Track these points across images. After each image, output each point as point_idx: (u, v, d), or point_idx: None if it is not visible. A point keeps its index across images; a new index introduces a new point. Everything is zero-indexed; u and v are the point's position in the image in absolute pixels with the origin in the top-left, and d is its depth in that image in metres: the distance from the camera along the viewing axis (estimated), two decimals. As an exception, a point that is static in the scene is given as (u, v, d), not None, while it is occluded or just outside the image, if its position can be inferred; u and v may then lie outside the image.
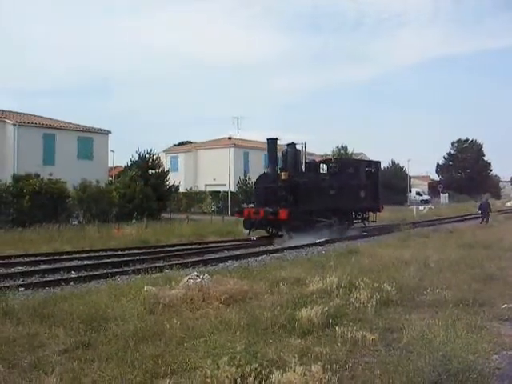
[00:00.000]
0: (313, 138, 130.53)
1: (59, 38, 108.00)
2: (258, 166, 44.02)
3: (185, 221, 32.54)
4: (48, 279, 12.91)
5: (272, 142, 24.60)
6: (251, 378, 5.25)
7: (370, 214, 30.24)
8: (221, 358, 5.60)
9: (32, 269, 14.27)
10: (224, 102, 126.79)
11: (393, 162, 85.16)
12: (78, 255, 17.48)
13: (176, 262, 14.83)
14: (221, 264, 15.75)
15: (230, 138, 52.31)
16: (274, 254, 18.22)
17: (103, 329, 7.48)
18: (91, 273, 13.79)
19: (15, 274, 12.94)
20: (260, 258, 17.43)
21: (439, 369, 5.39)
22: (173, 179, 44.47)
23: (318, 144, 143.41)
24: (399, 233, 24.26)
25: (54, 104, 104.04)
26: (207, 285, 9.59)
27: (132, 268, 14.14)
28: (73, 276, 13.33)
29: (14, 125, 36.10)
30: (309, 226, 23.70)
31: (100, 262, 15.62)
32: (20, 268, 14.56)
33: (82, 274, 13.70)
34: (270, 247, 20.61)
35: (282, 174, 23.78)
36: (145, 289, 9.38)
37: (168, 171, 44.34)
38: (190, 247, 20.65)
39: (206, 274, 10.35)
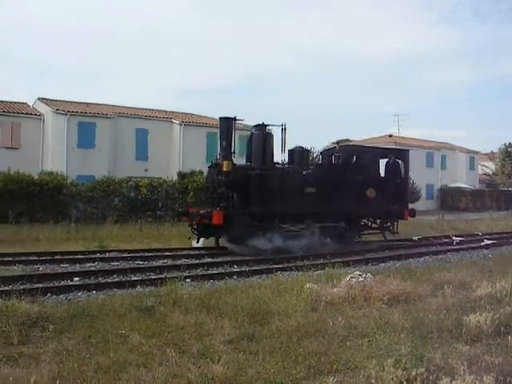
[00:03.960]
0: (475, 134, 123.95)
1: (215, 38, 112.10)
2: (421, 165, 42.59)
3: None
4: (212, 272, 13.45)
5: (225, 123, 17.88)
6: (417, 383, 5.08)
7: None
8: (386, 359, 5.47)
9: (197, 262, 14.90)
10: (383, 99, 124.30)
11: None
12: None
13: (337, 260, 14.77)
14: (382, 264, 15.49)
15: (390, 136, 51.32)
16: (437, 256, 17.64)
17: (266, 322, 7.64)
18: (253, 268, 14.17)
19: (182, 266, 13.55)
20: (422, 259, 16.98)
21: None
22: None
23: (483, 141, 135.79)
24: None
25: (213, 103, 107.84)
26: (369, 284, 9.45)
27: (293, 264, 14.34)
28: (235, 270, 13.77)
29: (180, 124, 38.01)
30: (263, 236, 17.02)
31: (261, 257, 15.94)
32: (186, 260, 15.25)
33: (245, 268, 14.11)
34: (433, 248, 19.93)
35: (224, 163, 17.10)
36: (307, 286, 9.44)
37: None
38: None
39: (369, 274, 10.20)
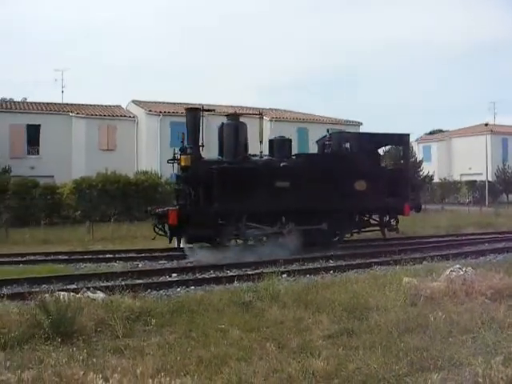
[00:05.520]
0: None
1: (303, 33, 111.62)
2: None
3: (440, 211, 31.54)
4: (308, 267, 13.44)
5: (191, 114, 16.17)
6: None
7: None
8: (494, 357, 5.26)
9: (293, 257, 14.90)
10: (476, 87, 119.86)
11: None
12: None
13: (435, 253, 14.37)
14: (481, 257, 14.91)
15: (486, 125, 49.42)
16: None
17: (365, 317, 7.54)
18: (349, 262, 14.04)
19: (279, 261, 13.55)
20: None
21: None
22: (426, 169, 43.42)
23: None
24: None
25: (303, 97, 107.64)
26: (470, 278, 9.12)
27: (389, 259, 14.10)
28: (331, 265, 13.68)
29: (271, 120, 38.27)
30: (226, 236, 15.79)
31: (357, 252, 15.79)
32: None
33: (341, 263, 14.00)
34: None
35: (182, 158, 15.53)
36: (405, 280, 9.23)
37: (421, 161, 43.42)
38: (446, 239, 19.90)
39: (470, 268, 9.84)
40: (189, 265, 13.96)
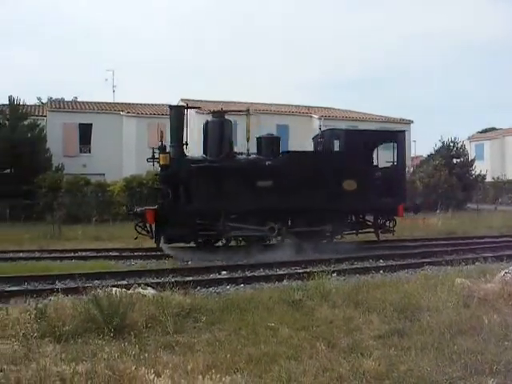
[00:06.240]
0: None
1: (351, 30, 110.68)
2: None
3: (493, 212, 30.82)
4: (357, 266, 13.33)
5: (174, 112, 16.20)
6: None
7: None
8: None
9: (343, 256, 14.78)
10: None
11: None
12: (386, 244, 17.61)
13: (488, 254, 14.03)
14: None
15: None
16: None
17: (416, 318, 7.42)
18: (400, 262, 13.86)
19: (329, 261, 13.57)
20: None
21: None
22: (478, 168, 42.47)
23: None
24: None
25: (354, 96, 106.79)
26: (527, 280, 8.87)
27: (440, 259, 13.85)
28: (381, 264, 13.53)
29: (320, 119, 38.13)
30: (204, 237, 15.70)
31: (407, 252, 15.56)
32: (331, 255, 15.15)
33: (391, 262, 13.85)
34: None
35: (160, 156, 15.33)
36: (458, 281, 9.05)
37: (473, 160, 42.50)
38: (500, 239, 19.39)
39: (526, 269, 9.57)
40: (239, 263, 13.99)
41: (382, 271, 12.49)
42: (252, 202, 15.48)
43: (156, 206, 15.47)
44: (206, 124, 16.59)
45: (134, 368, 5.26)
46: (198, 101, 38.98)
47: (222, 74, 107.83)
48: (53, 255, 15.33)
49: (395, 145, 17.67)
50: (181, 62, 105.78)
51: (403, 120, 41.35)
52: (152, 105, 40.77)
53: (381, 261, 14.26)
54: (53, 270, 12.62)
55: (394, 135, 18.33)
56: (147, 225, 15.34)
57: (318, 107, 41.79)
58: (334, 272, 11.78)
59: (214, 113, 16.81)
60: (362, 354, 5.96)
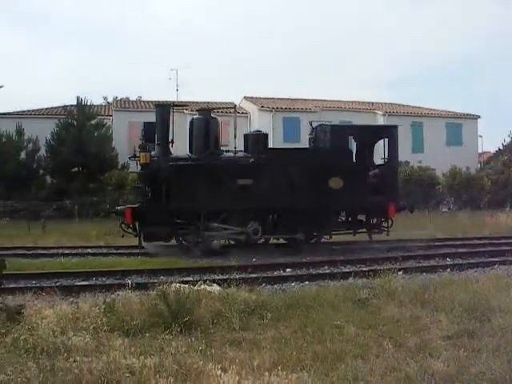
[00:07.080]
0: None
1: (412, 25, 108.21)
2: None
3: None
4: (424, 265, 13.08)
5: (159, 110, 16.11)
6: None
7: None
8: None
9: (410, 254, 14.55)
10: None
11: None
12: (450, 242, 17.31)
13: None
14: None
15: None
16: None
17: (487, 319, 7.21)
18: (467, 261, 13.50)
19: (395, 258, 13.42)
20: None
21: None
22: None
23: None
24: None
25: (420, 91, 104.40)
26: None
27: (511, 258, 13.44)
28: (449, 263, 13.25)
29: (384, 115, 37.67)
30: (180, 235, 15.54)
31: (475, 250, 15.17)
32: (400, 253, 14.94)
33: (458, 261, 13.53)
34: None
35: (141, 155, 15.06)
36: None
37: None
38: None
39: None
40: (303, 260, 13.96)
41: (449, 270, 12.22)
42: (232, 201, 15.24)
43: (136, 205, 15.54)
44: (192, 122, 16.49)
45: (201, 363, 5.33)
46: (261, 98, 39.22)
47: (286, 71, 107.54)
48: (119, 251, 15.65)
49: (387, 141, 17.01)
50: (245, 61, 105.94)
51: (469, 115, 40.31)
52: (216, 103, 41.12)
53: (448, 259, 13.96)
54: (120, 265, 12.91)
55: (387, 131, 17.76)
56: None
57: (381, 103, 41.25)
58: (400, 270, 11.62)
59: (199, 110, 16.94)
60: (431, 355, 5.84)
